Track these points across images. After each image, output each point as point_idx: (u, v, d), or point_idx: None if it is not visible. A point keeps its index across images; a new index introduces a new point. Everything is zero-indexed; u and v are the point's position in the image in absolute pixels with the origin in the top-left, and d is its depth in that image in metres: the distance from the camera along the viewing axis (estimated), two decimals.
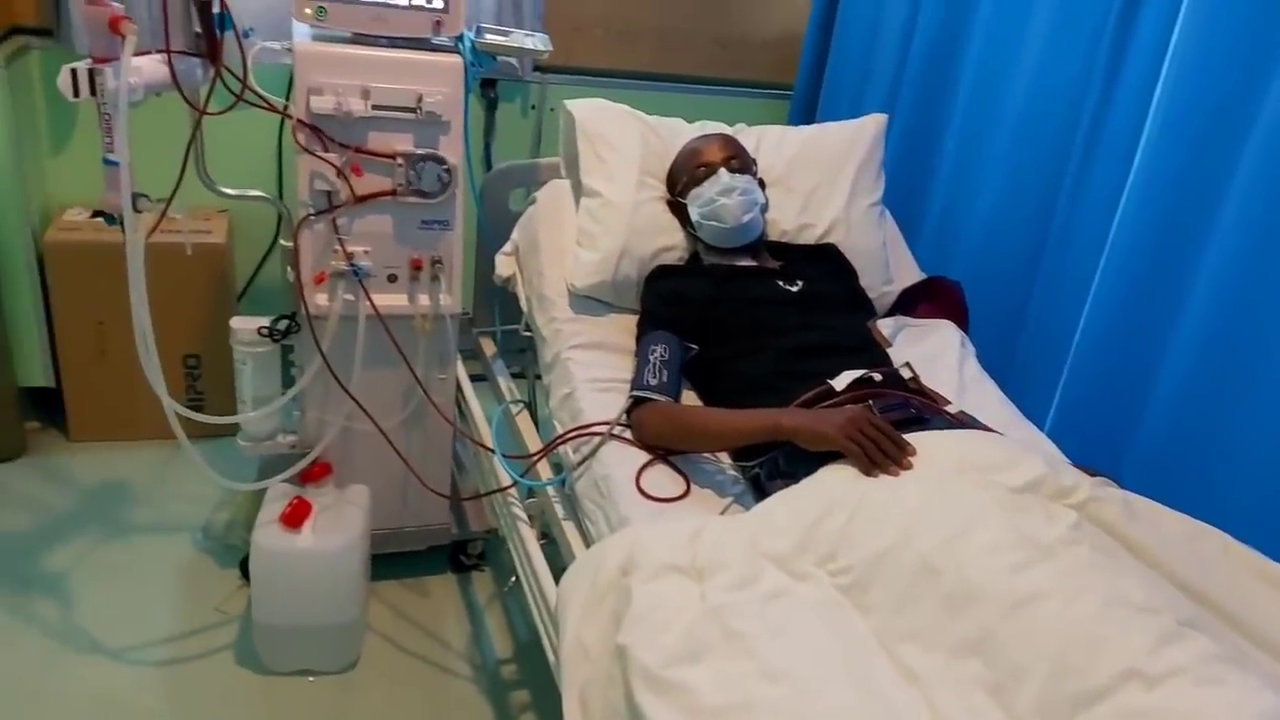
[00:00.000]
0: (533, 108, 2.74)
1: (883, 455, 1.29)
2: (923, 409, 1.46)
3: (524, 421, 1.89)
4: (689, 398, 1.67)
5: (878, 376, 1.49)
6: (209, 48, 1.53)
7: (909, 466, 1.29)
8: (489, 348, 2.18)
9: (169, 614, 1.97)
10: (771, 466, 1.45)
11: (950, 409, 1.51)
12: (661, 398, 1.55)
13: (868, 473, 1.29)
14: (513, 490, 1.76)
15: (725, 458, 1.56)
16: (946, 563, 1.13)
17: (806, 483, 1.33)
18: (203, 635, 1.94)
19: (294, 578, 1.80)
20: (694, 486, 1.48)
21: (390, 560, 2.10)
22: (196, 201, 1.58)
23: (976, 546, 1.14)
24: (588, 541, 1.51)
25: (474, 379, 2.13)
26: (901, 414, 1.42)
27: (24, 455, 2.37)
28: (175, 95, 1.54)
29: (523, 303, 1.91)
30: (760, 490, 1.48)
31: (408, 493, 2.06)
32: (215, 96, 1.56)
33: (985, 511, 1.19)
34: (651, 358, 1.60)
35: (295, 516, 1.80)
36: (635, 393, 1.56)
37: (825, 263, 1.84)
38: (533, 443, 1.81)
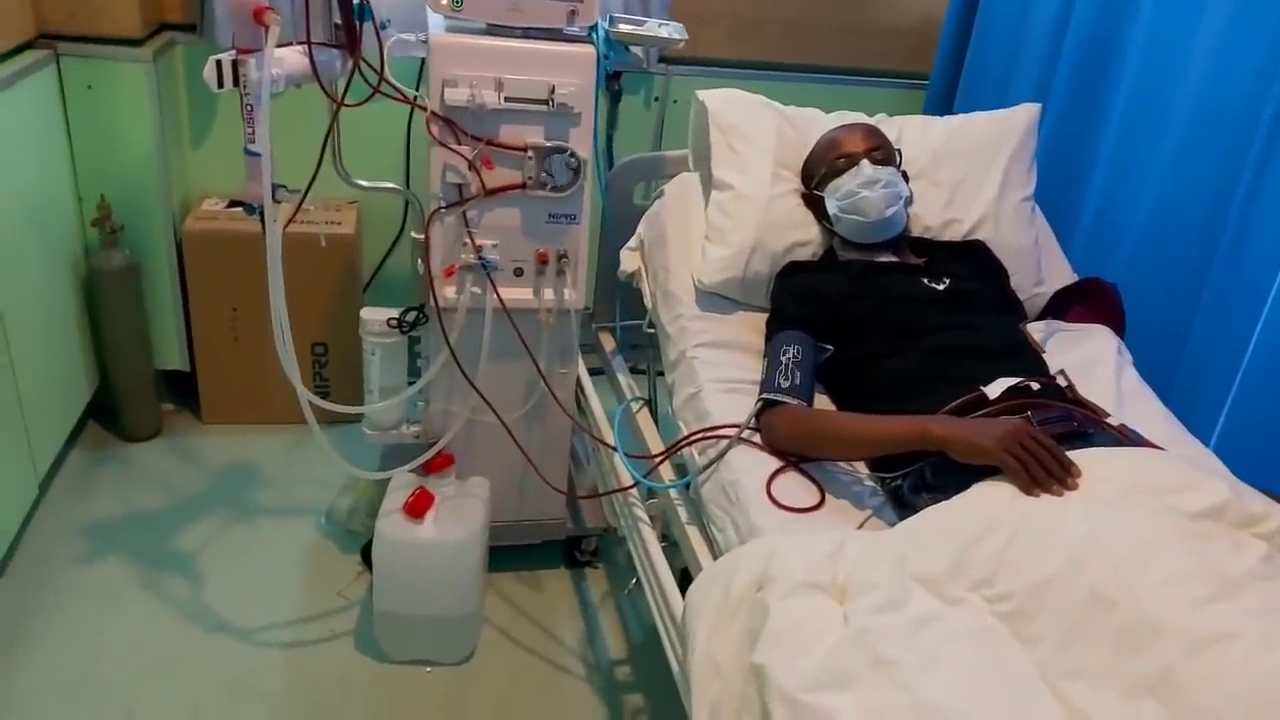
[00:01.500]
0: (656, 99, 2.69)
1: (1045, 473, 1.19)
2: (1085, 422, 1.34)
3: (644, 420, 1.85)
4: (822, 402, 1.59)
5: (1035, 385, 1.39)
6: (348, 39, 1.54)
7: (1074, 487, 1.19)
8: (608, 343, 2.14)
9: (292, 597, 2.01)
10: (917, 479, 1.37)
11: (1111, 422, 1.40)
12: (794, 401, 1.48)
13: (1028, 492, 1.19)
14: (634, 490, 1.72)
15: (862, 467, 1.48)
16: (1120, 594, 1.03)
17: (959, 500, 1.24)
18: (324, 620, 1.97)
19: (415, 568, 1.81)
20: (829, 496, 1.40)
21: (505, 553, 2.09)
22: (328, 193, 1.59)
23: (1154, 578, 1.04)
24: (713, 548, 1.45)
25: (592, 373, 2.10)
26: (1063, 427, 1.31)
27: (160, 435, 2.46)
28: (312, 87, 1.55)
29: (647, 299, 1.87)
30: (902, 504, 1.40)
31: (525, 486, 2.05)
32: (352, 88, 1.56)
33: (1162, 539, 1.09)
34: (783, 358, 1.53)
35: (418, 507, 1.81)
36: (766, 395, 1.49)
37: (973, 260, 1.73)
38: (654, 442, 1.77)
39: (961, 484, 1.28)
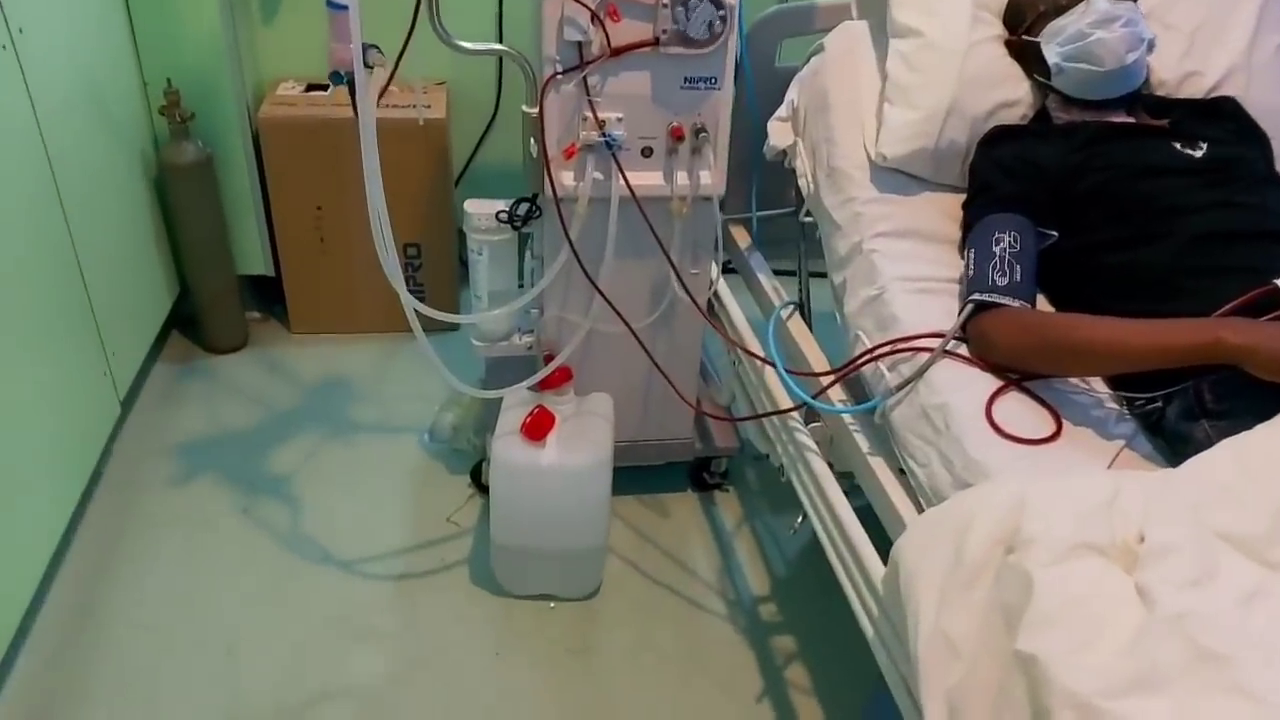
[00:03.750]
0: None
1: None
2: None
3: (798, 328, 1.56)
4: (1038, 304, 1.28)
5: None
6: None
7: None
8: (742, 238, 1.84)
9: (398, 525, 1.82)
10: (1189, 402, 1.06)
11: None
12: (1014, 302, 1.18)
13: None
14: (793, 412, 1.45)
15: (1100, 385, 1.18)
16: None
17: (1266, 431, 0.94)
18: (435, 550, 1.78)
19: (537, 496, 1.59)
20: (1065, 423, 1.11)
21: (627, 474, 1.86)
22: (413, 71, 1.32)
23: None
24: (911, 489, 1.18)
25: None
26: None
27: (246, 346, 2.28)
28: None
29: (803, 180, 1.55)
30: (1162, 433, 1.10)
31: (649, 402, 1.81)
32: None
33: None
34: (996, 249, 1.22)
35: (537, 428, 1.58)
36: (978, 295, 1.19)
37: (1226, 122, 1.36)
38: (812, 354, 1.49)
39: (1258, 410, 0.98)
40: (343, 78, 1.26)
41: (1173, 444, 1.09)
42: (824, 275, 1.50)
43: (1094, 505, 0.90)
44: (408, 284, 2.27)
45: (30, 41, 1.51)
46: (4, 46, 1.45)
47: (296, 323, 2.32)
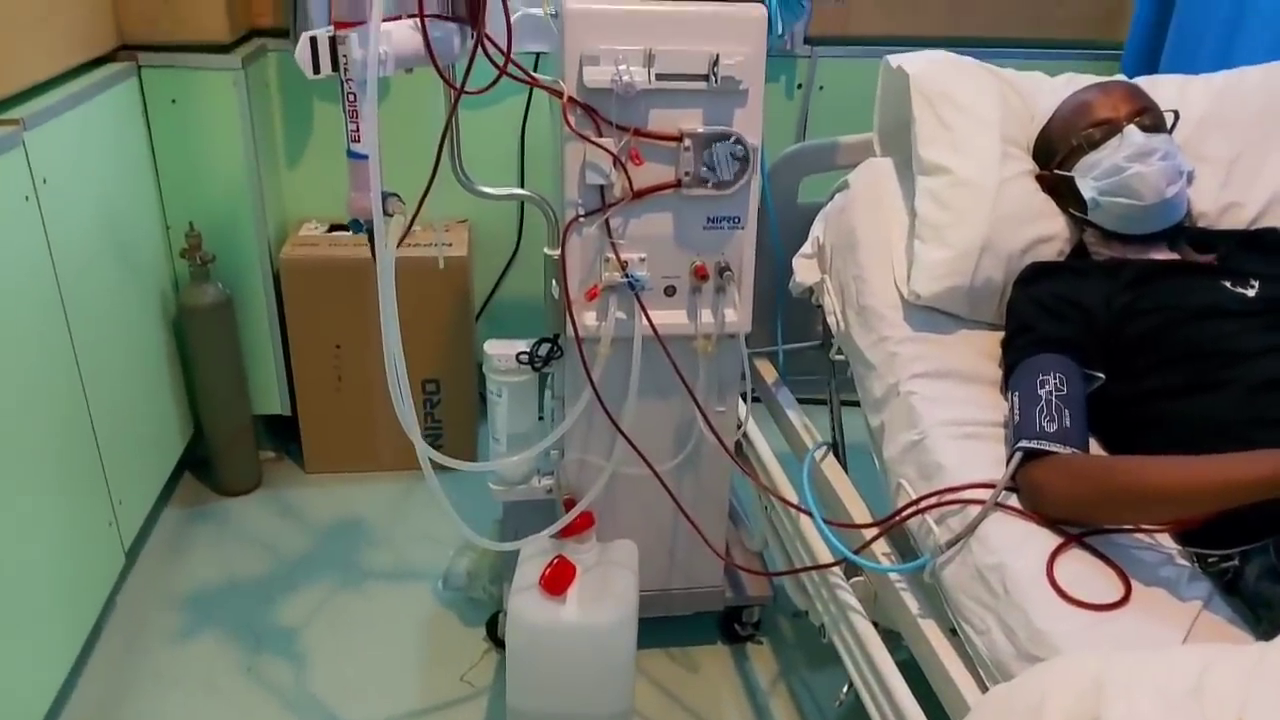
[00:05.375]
0: (799, 87, 2.34)
1: None
2: None
3: (832, 469, 1.49)
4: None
5: None
6: (469, 10, 1.23)
7: None
8: (769, 373, 1.79)
9: (409, 685, 1.71)
10: (1269, 561, 0.97)
11: None
12: (1065, 449, 1.10)
13: None
14: (835, 567, 1.36)
15: (1168, 540, 1.09)
16: None
17: None
18: (447, 713, 1.66)
19: (557, 657, 1.48)
20: (1134, 584, 1.02)
21: (652, 625, 1.74)
22: (436, 210, 1.30)
23: None
24: (967, 655, 1.08)
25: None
26: None
27: (260, 488, 2.21)
28: (425, 72, 1.25)
29: (832, 318, 1.51)
30: (1239, 594, 1.00)
31: (676, 549, 1.72)
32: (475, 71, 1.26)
33: None
34: (1042, 392, 1.15)
35: (558, 581, 1.48)
36: (1026, 443, 1.11)
37: (1273, 255, 1.31)
38: (850, 501, 1.40)
39: None
40: (362, 226, 1.24)
41: (1254, 607, 0.99)
42: (855, 404, 1.44)
43: (1183, 689, 0.80)
44: (425, 420, 2.24)
45: (53, 191, 1.52)
46: (26, 198, 1.45)
47: (311, 462, 2.26)
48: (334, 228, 2.18)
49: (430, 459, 1.31)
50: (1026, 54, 2.33)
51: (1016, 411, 1.16)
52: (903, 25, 2.31)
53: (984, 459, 1.18)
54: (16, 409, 1.41)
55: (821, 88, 2.33)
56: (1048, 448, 1.10)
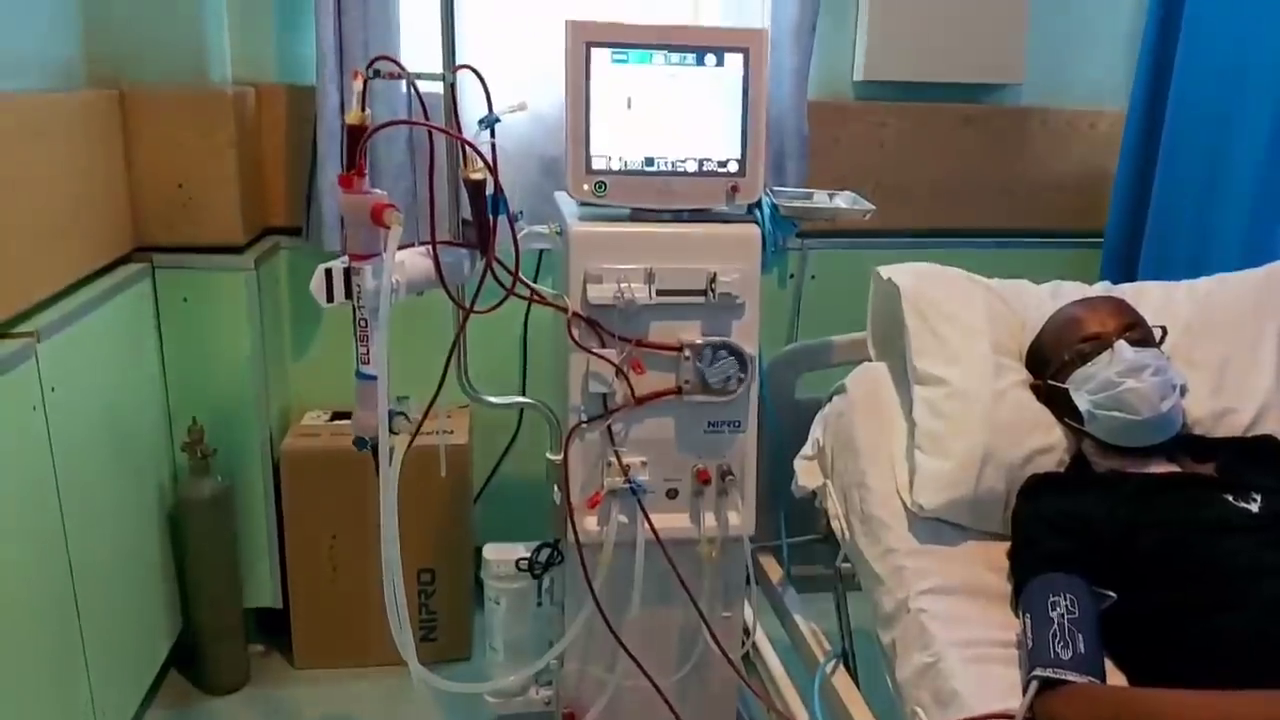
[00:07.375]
0: (791, 277, 2.42)
1: None
2: None
3: (843, 683, 1.44)
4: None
5: None
6: (480, 236, 1.29)
7: None
8: (774, 571, 1.76)
9: None
10: None
11: None
12: (1081, 678, 1.07)
13: None
14: None
15: None
16: None
17: None
18: None
19: None
20: None
21: None
22: (439, 400, 1.32)
23: None
24: None
25: None
26: None
27: (247, 685, 2.13)
28: (432, 292, 1.30)
29: (836, 523, 1.50)
30: None
31: None
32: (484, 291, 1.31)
33: None
34: (1054, 614, 1.14)
35: None
36: (1040, 672, 1.09)
37: (1273, 465, 1.32)
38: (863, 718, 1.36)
39: None
40: (366, 444, 1.25)
41: None
42: (858, 589, 1.42)
43: None
44: (420, 613, 2.19)
45: (61, 398, 1.53)
46: (34, 408, 1.46)
47: (301, 657, 2.19)
48: (337, 415, 2.19)
49: (424, 681, 1.27)
50: (1009, 244, 2.43)
51: (1030, 635, 1.14)
52: (891, 219, 2.40)
53: (999, 684, 1.15)
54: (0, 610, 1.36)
55: (813, 277, 2.41)
56: (1064, 676, 1.08)
